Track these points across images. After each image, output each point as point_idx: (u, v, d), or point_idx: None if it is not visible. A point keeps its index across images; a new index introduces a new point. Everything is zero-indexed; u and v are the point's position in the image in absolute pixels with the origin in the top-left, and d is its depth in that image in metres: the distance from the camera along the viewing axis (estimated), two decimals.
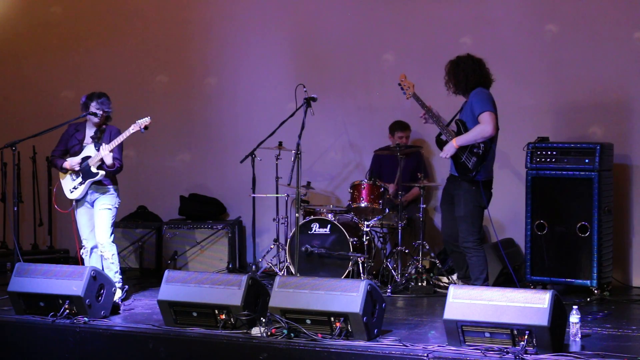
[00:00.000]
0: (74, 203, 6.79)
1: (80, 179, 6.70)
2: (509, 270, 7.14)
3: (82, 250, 6.86)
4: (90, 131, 6.81)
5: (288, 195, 8.07)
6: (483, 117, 6.28)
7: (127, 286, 6.88)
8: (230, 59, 9.09)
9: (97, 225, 6.73)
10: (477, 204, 6.48)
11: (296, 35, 8.85)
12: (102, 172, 6.61)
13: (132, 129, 6.63)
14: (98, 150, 6.65)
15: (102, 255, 6.74)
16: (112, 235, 6.76)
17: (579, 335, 5.32)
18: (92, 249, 6.81)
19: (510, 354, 4.88)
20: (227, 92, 9.13)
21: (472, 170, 6.35)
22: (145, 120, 6.64)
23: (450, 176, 6.65)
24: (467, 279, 6.65)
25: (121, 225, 8.59)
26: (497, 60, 7.65)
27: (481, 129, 6.29)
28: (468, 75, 6.43)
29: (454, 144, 6.36)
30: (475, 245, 6.48)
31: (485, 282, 6.52)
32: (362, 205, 7.55)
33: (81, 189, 6.69)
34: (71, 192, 6.74)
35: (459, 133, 6.41)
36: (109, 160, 6.59)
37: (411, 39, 8.42)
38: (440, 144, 6.56)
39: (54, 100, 9.59)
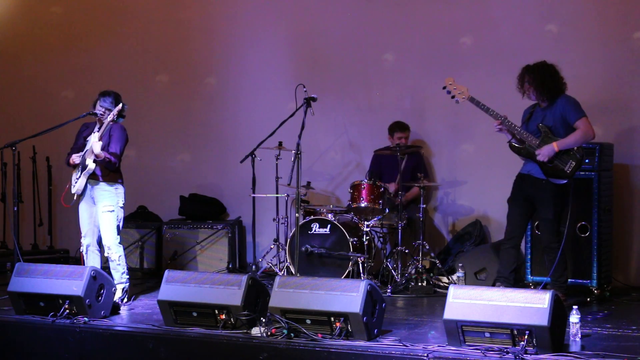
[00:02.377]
0: (74, 198, 6.77)
1: (79, 172, 6.70)
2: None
3: (81, 248, 6.84)
4: (97, 128, 6.81)
5: (288, 195, 8.07)
6: (582, 122, 6.38)
7: (127, 286, 6.87)
8: (231, 59, 9.09)
9: (102, 228, 6.71)
10: (563, 206, 6.53)
11: (296, 35, 8.86)
12: (91, 165, 6.56)
13: (109, 117, 6.53)
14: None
15: (108, 257, 6.74)
16: (119, 236, 6.75)
17: (579, 335, 5.32)
18: (87, 246, 6.78)
19: (510, 354, 4.88)
20: (227, 92, 9.14)
21: (568, 174, 6.37)
22: (117, 108, 6.54)
23: (527, 177, 6.54)
24: (507, 280, 6.57)
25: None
26: (497, 60, 7.69)
27: (583, 134, 6.36)
28: (555, 81, 6.50)
29: (554, 148, 6.34)
30: (559, 246, 6.47)
31: (565, 284, 6.51)
32: (362, 205, 7.55)
33: (80, 182, 6.67)
34: (73, 186, 6.75)
35: (545, 138, 6.39)
36: (96, 149, 6.48)
37: (411, 39, 8.42)
38: (517, 150, 6.51)
39: (54, 100, 9.60)
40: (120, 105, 6.55)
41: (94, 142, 6.50)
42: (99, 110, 6.70)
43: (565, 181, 6.41)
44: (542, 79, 6.47)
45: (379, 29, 8.53)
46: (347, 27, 8.63)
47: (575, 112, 6.41)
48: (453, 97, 6.63)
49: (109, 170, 6.69)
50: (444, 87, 6.66)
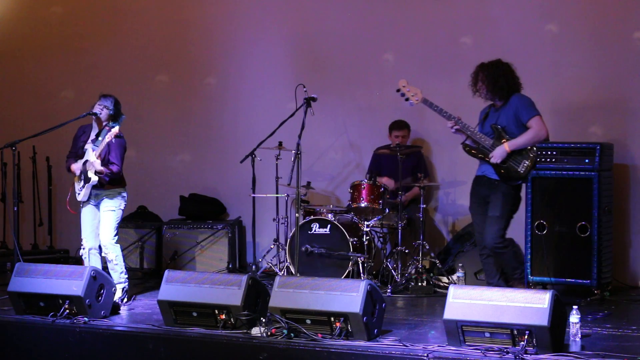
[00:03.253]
0: (81, 205, 6.80)
1: (82, 182, 6.72)
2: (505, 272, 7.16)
3: (81, 251, 6.85)
4: (94, 132, 6.81)
5: (288, 195, 8.07)
6: (534, 121, 6.31)
7: (127, 286, 6.87)
8: (231, 59, 9.09)
9: (101, 227, 6.74)
10: (513, 208, 6.50)
11: (296, 35, 8.85)
12: (94, 178, 6.59)
13: (107, 138, 6.54)
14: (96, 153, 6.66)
15: (105, 257, 6.74)
16: (116, 236, 6.76)
17: (579, 335, 5.32)
18: (90, 249, 6.79)
19: (510, 354, 4.88)
20: (227, 92, 9.13)
21: (522, 174, 6.33)
22: (114, 131, 6.55)
23: (482, 178, 6.53)
24: (498, 286, 6.53)
25: (121, 225, 8.51)
26: None
27: (535, 133, 6.31)
28: (508, 80, 6.41)
29: (505, 148, 6.30)
30: (505, 246, 6.46)
31: (522, 275, 6.49)
32: (362, 205, 7.55)
33: (84, 192, 6.70)
34: (77, 194, 6.77)
35: (498, 138, 6.34)
36: (97, 167, 6.55)
37: (411, 39, 8.42)
38: (470, 150, 6.48)
39: (54, 100, 9.59)
40: (117, 128, 6.57)
41: (94, 161, 6.54)
42: (97, 109, 6.70)
43: (520, 182, 6.37)
44: (495, 78, 6.38)
45: (379, 29, 8.53)
46: (347, 27, 8.63)
47: (528, 110, 6.33)
48: (407, 99, 6.61)
49: (108, 181, 6.72)
50: (398, 90, 6.64)
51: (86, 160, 6.67)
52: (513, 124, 6.37)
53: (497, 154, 6.33)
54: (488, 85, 6.40)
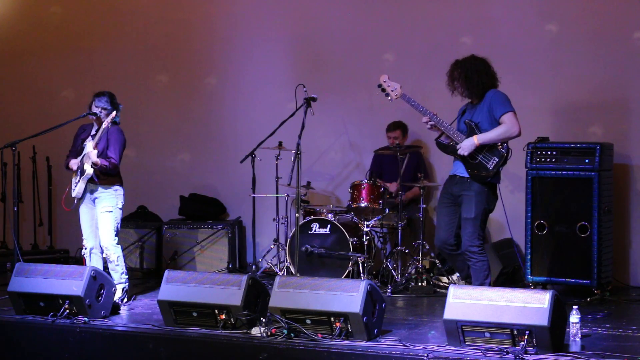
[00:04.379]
0: (75, 201, 6.79)
1: (78, 176, 6.71)
2: (509, 270, 7.17)
3: (82, 250, 6.85)
4: (93, 130, 6.82)
5: (288, 195, 8.07)
6: (507, 117, 6.17)
7: (127, 286, 6.87)
8: (231, 59, 9.09)
9: (100, 229, 6.73)
10: (487, 206, 6.35)
11: (296, 35, 8.86)
12: (89, 170, 6.58)
13: (104, 125, 6.54)
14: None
15: (106, 258, 6.74)
16: (117, 237, 6.76)
17: (579, 335, 5.32)
18: (91, 249, 6.80)
19: (510, 354, 4.88)
20: (228, 92, 9.14)
21: (491, 172, 6.20)
22: (110, 116, 6.55)
23: (454, 177, 6.43)
24: (469, 280, 6.55)
25: (121, 225, 8.57)
26: (497, 60, 7.62)
27: (507, 129, 6.15)
28: (482, 76, 6.28)
29: (474, 142, 6.16)
30: (480, 250, 6.31)
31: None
32: (362, 205, 7.55)
33: (79, 187, 6.69)
34: (72, 189, 6.76)
35: (471, 134, 6.23)
36: (93, 158, 6.53)
37: (411, 39, 8.42)
38: (443, 147, 6.45)
39: (54, 100, 9.60)
40: (114, 112, 6.57)
41: (90, 151, 6.53)
42: (96, 109, 6.70)
43: (489, 180, 6.24)
44: (469, 74, 6.26)
45: (379, 29, 8.53)
46: (347, 27, 8.63)
47: (501, 106, 6.20)
48: (387, 95, 6.57)
49: (107, 174, 6.70)
50: (379, 85, 6.59)
51: (84, 154, 6.68)
52: (487, 120, 6.25)
53: (465, 146, 6.20)
54: (463, 83, 6.28)
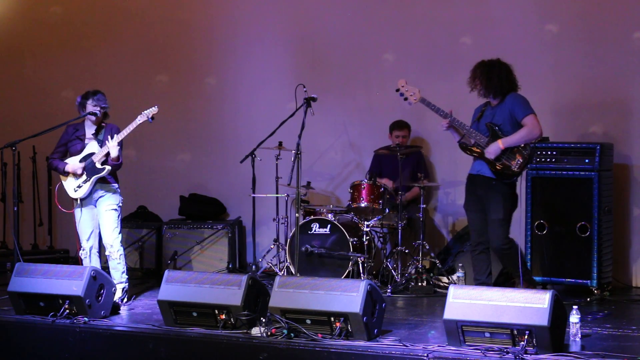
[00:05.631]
0: (77, 202, 6.77)
1: (84, 177, 6.68)
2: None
3: (81, 252, 6.82)
4: (89, 130, 6.80)
5: (288, 195, 8.07)
6: (529, 119, 6.35)
7: (127, 286, 6.87)
8: (231, 59, 9.09)
9: (104, 227, 6.72)
10: (513, 207, 6.52)
11: (296, 35, 8.85)
12: (107, 167, 6.61)
13: (139, 119, 6.63)
14: (101, 146, 6.66)
15: (109, 256, 6.74)
16: (120, 234, 6.78)
17: (579, 335, 5.32)
18: (90, 248, 6.79)
19: (510, 354, 4.88)
20: (227, 92, 9.14)
21: (516, 172, 6.35)
22: (153, 110, 6.64)
23: (477, 177, 6.53)
24: (485, 285, 6.50)
25: (121, 225, 8.58)
26: None
27: (529, 131, 6.33)
28: (502, 79, 6.45)
29: (500, 146, 6.33)
30: (510, 244, 6.48)
31: (525, 272, 6.52)
32: (362, 205, 7.55)
33: (86, 187, 6.66)
34: (75, 190, 6.71)
35: (494, 137, 6.37)
36: (114, 153, 6.57)
37: (411, 39, 8.42)
38: (467, 149, 6.51)
39: (54, 100, 9.59)
40: (155, 108, 6.70)
41: (112, 147, 6.55)
42: (94, 109, 6.70)
43: (514, 179, 6.39)
44: (490, 76, 6.43)
45: (379, 29, 8.53)
46: (347, 27, 8.63)
47: (523, 108, 6.37)
48: (406, 99, 6.64)
49: (115, 168, 6.74)
50: (397, 90, 6.67)
51: (90, 154, 6.66)
52: (508, 122, 6.40)
53: (492, 150, 6.36)
54: (484, 82, 6.45)
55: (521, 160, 6.33)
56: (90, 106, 6.70)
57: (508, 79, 6.49)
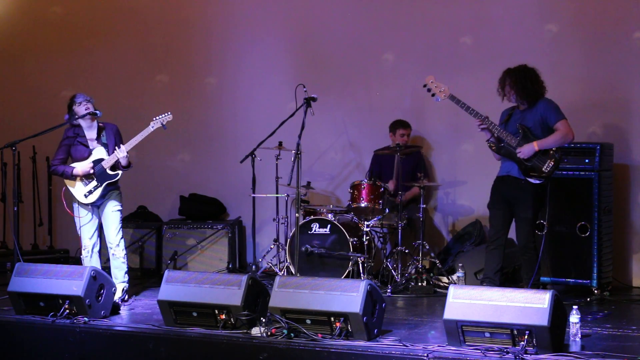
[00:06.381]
0: (89, 206, 6.76)
1: (95, 183, 6.69)
2: (509, 270, 7.15)
3: (82, 251, 6.83)
4: (89, 132, 6.79)
5: (288, 195, 8.07)
6: (562, 124, 6.43)
7: (127, 286, 6.87)
8: (231, 59, 9.09)
9: (110, 227, 6.76)
10: (541, 208, 6.58)
11: (296, 35, 8.86)
12: (119, 172, 6.67)
13: (153, 126, 6.66)
14: (107, 149, 6.68)
15: (113, 255, 6.75)
16: (122, 234, 6.82)
17: (579, 335, 5.32)
18: (92, 248, 6.79)
19: (510, 354, 4.88)
20: (227, 92, 9.14)
21: (546, 174, 6.40)
22: (167, 117, 6.69)
23: (506, 177, 6.57)
24: (492, 281, 6.57)
25: (122, 225, 8.58)
26: (497, 60, 7.66)
27: (564, 135, 6.41)
28: (534, 84, 6.54)
29: (535, 147, 6.39)
30: (535, 246, 6.54)
31: (534, 281, 6.55)
32: (362, 205, 7.55)
33: (98, 192, 6.69)
34: (86, 196, 6.72)
35: (526, 138, 6.43)
36: (124, 162, 6.65)
37: (411, 39, 8.42)
38: (497, 148, 6.54)
39: (54, 100, 9.57)
40: (170, 115, 6.79)
41: (122, 155, 6.60)
42: (93, 109, 6.70)
43: (542, 181, 6.44)
44: (524, 83, 6.52)
45: (379, 29, 8.53)
46: (347, 27, 8.63)
47: (556, 114, 6.47)
48: (433, 95, 6.66)
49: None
50: (425, 85, 6.69)
51: (99, 159, 6.66)
52: (539, 126, 6.49)
53: (526, 151, 6.42)
54: (518, 90, 6.54)
55: (552, 163, 6.39)
56: (82, 109, 6.67)
57: (538, 83, 6.57)
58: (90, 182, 6.70)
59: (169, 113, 6.78)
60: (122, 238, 6.80)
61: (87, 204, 6.75)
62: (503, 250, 6.63)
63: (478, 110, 6.49)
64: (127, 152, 6.69)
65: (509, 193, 6.56)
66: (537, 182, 6.44)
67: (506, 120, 6.64)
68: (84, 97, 6.70)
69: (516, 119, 6.58)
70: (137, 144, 6.75)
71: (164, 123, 6.71)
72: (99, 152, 6.72)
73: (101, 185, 6.68)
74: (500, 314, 5.00)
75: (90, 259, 6.78)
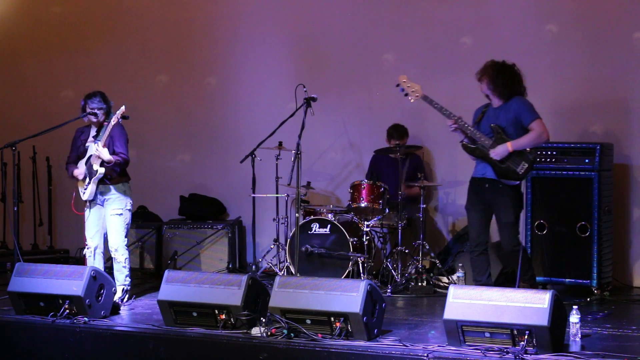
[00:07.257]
0: (87, 203, 6.79)
1: (87, 180, 6.71)
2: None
3: (85, 250, 6.84)
4: (94, 131, 6.82)
5: (288, 195, 8.07)
6: (536, 124, 6.35)
7: (128, 286, 6.87)
8: (231, 59, 9.09)
9: (109, 230, 6.75)
10: (520, 208, 6.57)
11: (296, 35, 8.86)
12: (101, 170, 6.60)
13: (112, 121, 6.57)
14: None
15: (114, 259, 6.75)
16: (126, 239, 6.80)
17: (579, 335, 5.32)
18: (95, 248, 6.80)
19: (510, 354, 4.88)
20: (228, 92, 9.14)
21: (522, 176, 6.37)
22: (120, 110, 6.57)
23: (482, 180, 6.51)
24: (485, 285, 6.55)
25: None
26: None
27: (538, 135, 6.33)
28: (507, 81, 6.45)
29: (508, 148, 6.32)
30: (520, 248, 6.49)
31: (532, 276, 6.56)
32: (362, 205, 7.55)
33: (89, 189, 6.69)
34: (82, 193, 6.77)
35: (499, 139, 6.36)
36: (105, 156, 6.56)
37: (411, 39, 8.42)
38: (470, 150, 6.50)
39: (54, 100, 9.60)
40: (123, 107, 6.55)
41: (101, 151, 6.53)
42: (94, 111, 6.70)
43: (517, 182, 6.40)
44: (503, 77, 6.42)
45: (379, 29, 8.53)
46: (347, 27, 8.63)
47: (530, 113, 6.37)
48: (406, 95, 6.63)
49: (116, 173, 6.71)
50: (398, 85, 6.65)
51: (90, 156, 6.67)
52: (512, 126, 6.39)
53: (499, 152, 6.34)
54: (491, 81, 6.44)
55: (526, 164, 6.33)
56: (88, 108, 6.72)
57: (514, 81, 6.47)
58: (86, 179, 6.72)
59: (123, 106, 6.57)
60: (123, 242, 6.75)
61: (89, 203, 6.75)
62: (487, 254, 6.61)
63: (452, 111, 6.46)
64: (120, 146, 6.65)
65: (487, 196, 6.50)
66: (514, 183, 6.40)
67: (479, 119, 6.57)
68: (91, 102, 6.70)
69: (489, 118, 6.50)
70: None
71: (119, 117, 6.54)
72: (90, 149, 6.72)
73: (89, 182, 6.67)
74: (500, 314, 5.00)
75: (94, 260, 6.79)
